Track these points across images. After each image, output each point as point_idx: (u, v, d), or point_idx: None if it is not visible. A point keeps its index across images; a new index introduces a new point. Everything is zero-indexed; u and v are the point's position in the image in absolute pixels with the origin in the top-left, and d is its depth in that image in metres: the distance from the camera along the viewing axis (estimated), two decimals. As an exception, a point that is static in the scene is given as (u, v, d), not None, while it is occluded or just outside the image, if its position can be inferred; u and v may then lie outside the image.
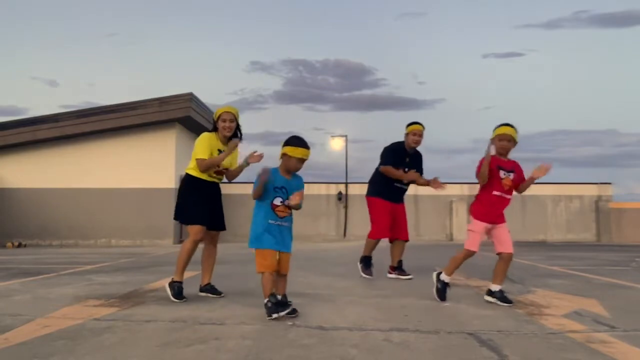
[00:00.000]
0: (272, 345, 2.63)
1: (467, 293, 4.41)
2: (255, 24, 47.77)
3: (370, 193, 5.64)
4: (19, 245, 12.83)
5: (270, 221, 3.33)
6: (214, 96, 59.06)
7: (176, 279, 4.10)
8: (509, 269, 3.92)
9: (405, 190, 5.67)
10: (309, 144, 3.41)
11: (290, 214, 3.42)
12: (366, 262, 5.59)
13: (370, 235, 5.53)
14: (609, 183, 16.49)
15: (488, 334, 2.83)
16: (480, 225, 3.79)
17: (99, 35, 44.72)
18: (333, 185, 17.21)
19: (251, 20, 47.31)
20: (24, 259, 8.46)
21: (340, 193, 17.23)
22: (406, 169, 5.47)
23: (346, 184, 17.63)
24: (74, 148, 13.70)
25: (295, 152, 3.33)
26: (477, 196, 3.92)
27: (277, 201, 3.34)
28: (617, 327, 3.06)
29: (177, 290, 4.03)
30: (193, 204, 4.12)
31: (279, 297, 3.34)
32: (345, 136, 19.36)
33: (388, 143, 5.62)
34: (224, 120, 4.20)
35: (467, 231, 3.90)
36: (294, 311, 3.29)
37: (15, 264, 7.54)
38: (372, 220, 5.57)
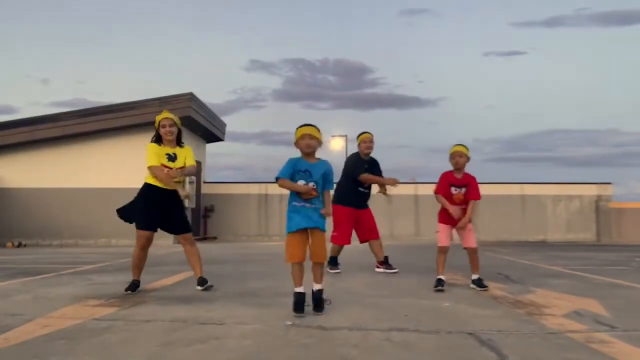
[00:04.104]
0: (272, 345, 2.63)
1: (467, 293, 4.41)
2: (255, 23, 47.74)
3: (334, 200, 5.96)
4: (19, 245, 12.83)
5: (294, 203, 3.44)
6: (214, 95, 59.07)
7: (133, 278, 4.55)
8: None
9: (368, 194, 6.16)
10: (314, 125, 3.54)
11: (317, 197, 3.45)
12: (332, 261, 6.04)
13: (332, 240, 5.95)
14: (609, 183, 16.48)
15: (488, 334, 2.83)
16: (444, 227, 4.68)
17: (97, 34, 44.69)
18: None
19: (251, 19, 47.27)
20: (24, 259, 8.46)
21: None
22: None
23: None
24: (74, 148, 13.69)
25: (298, 132, 3.50)
26: (440, 208, 4.78)
27: (300, 183, 3.43)
28: (617, 327, 3.06)
29: (130, 285, 4.46)
30: (142, 210, 4.48)
31: (315, 288, 3.44)
32: (345, 136, 19.39)
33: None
34: (164, 126, 4.63)
35: (435, 233, 4.78)
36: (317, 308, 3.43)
37: (15, 264, 7.53)
38: (335, 227, 5.95)
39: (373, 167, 6.15)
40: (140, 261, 4.57)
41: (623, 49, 42.33)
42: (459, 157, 4.60)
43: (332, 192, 3.57)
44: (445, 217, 4.67)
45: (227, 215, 15.71)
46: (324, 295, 3.53)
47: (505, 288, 4.69)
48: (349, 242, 6.03)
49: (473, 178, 4.68)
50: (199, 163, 14.17)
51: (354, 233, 6.11)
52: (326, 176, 3.52)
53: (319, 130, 3.54)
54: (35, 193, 13.44)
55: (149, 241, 4.52)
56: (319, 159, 3.57)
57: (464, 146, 4.69)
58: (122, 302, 3.92)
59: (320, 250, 3.45)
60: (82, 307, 3.73)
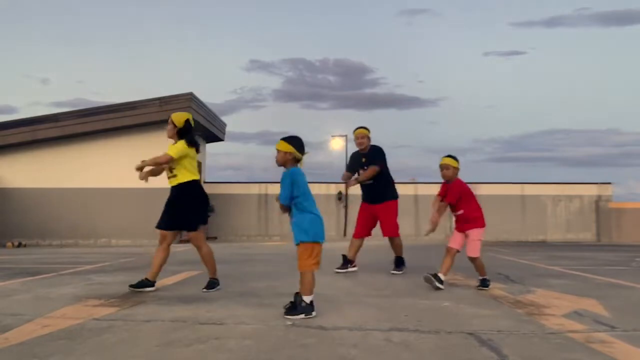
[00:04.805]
0: (272, 345, 2.63)
1: (467, 293, 4.41)
2: (254, 23, 47.75)
3: None
4: (19, 245, 12.84)
5: None
6: (214, 95, 59.10)
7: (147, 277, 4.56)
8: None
9: (373, 185, 6.05)
10: (286, 140, 3.46)
11: (290, 213, 3.45)
12: (344, 260, 6.12)
13: None
14: (609, 183, 16.50)
15: (488, 334, 2.83)
16: (455, 232, 4.81)
17: (97, 34, 44.70)
18: (333, 185, 17.16)
19: (251, 19, 47.29)
20: (24, 259, 8.46)
21: (340, 193, 17.22)
22: (365, 168, 6.05)
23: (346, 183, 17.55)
24: (74, 148, 13.70)
25: None
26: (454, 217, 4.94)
27: None
28: (617, 327, 3.06)
29: (137, 282, 4.51)
30: None
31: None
32: (345, 136, 19.36)
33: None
34: None
35: None
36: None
37: (15, 263, 7.54)
38: None
39: (372, 158, 6.09)
40: (155, 257, 4.58)
41: (623, 49, 42.35)
42: (445, 170, 4.73)
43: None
44: (456, 224, 4.83)
45: (227, 215, 15.71)
46: (300, 303, 3.31)
47: (505, 288, 4.69)
48: (357, 236, 6.11)
49: (454, 182, 4.72)
50: (199, 163, 14.18)
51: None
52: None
53: (282, 144, 3.44)
54: (36, 193, 13.44)
55: (163, 237, 4.59)
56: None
57: (451, 157, 4.74)
58: (122, 302, 3.92)
59: (299, 260, 3.39)
60: (82, 307, 3.73)
